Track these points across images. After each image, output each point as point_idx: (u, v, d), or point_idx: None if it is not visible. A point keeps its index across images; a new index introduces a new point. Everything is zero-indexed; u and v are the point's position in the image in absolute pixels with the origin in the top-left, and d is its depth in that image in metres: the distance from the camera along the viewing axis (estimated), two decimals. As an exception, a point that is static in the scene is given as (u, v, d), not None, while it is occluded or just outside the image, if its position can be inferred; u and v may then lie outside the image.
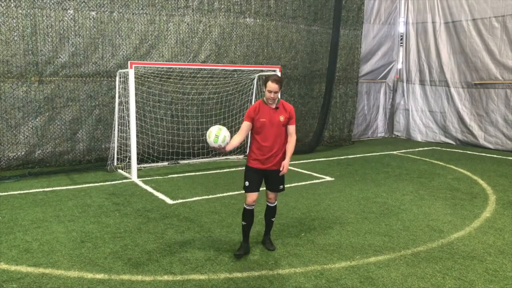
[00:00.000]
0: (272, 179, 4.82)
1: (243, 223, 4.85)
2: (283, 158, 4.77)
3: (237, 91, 10.84)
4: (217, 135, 4.37)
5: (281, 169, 4.66)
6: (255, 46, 11.55)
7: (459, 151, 12.28)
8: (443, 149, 12.66)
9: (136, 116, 8.75)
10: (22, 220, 5.96)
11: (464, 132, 13.32)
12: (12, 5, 8.71)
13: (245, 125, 4.74)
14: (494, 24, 12.33)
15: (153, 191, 7.58)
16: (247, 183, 4.76)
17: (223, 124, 10.54)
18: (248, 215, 4.82)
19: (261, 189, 4.85)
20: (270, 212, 5.01)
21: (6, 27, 8.71)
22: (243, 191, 4.88)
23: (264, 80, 4.68)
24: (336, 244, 5.14)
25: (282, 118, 4.68)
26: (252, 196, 4.75)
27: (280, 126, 4.69)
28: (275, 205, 5.00)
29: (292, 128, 4.82)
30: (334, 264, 4.60)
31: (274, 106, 4.71)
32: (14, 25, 8.78)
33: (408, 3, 14.70)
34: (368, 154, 11.67)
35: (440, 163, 10.41)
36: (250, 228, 4.88)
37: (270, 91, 4.59)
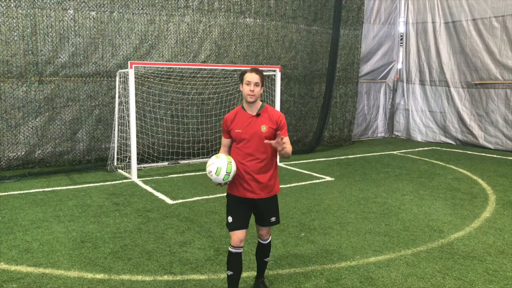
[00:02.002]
0: (261, 210, 3.74)
1: (229, 272, 3.67)
2: (274, 182, 3.74)
3: (237, 91, 10.84)
4: (228, 172, 3.49)
5: (274, 141, 3.49)
6: (255, 46, 11.55)
7: (459, 151, 12.28)
8: (443, 149, 12.66)
9: (136, 116, 8.75)
10: (22, 220, 5.96)
11: (464, 132, 13.32)
12: (12, 5, 8.71)
13: (223, 143, 3.81)
14: (494, 24, 12.33)
15: (153, 191, 7.58)
16: (230, 219, 3.68)
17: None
18: (234, 261, 3.65)
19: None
20: (263, 251, 3.94)
21: (6, 27, 8.71)
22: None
23: (240, 74, 3.70)
24: (336, 244, 5.14)
25: (264, 128, 3.60)
26: (238, 235, 3.62)
27: (261, 138, 3.56)
28: (269, 242, 3.92)
29: (286, 141, 3.67)
30: (334, 264, 4.60)
31: (254, 111, 3.65)
32: (14, 25, 8.78)
33: (408, 3, 14.70)
34: (368, 154, 11.67)
35: (440, 163, 10.41)
36: (238, 279, 3.72)
37: (249, 82, 3.55)
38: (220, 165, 3.52)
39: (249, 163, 3.61)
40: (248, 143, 3.62)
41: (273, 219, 3.83)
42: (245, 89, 3.60)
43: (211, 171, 3.53)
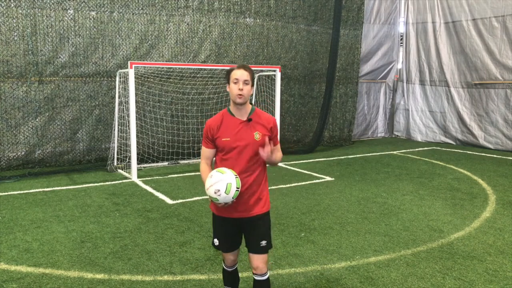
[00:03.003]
0: (249, 231, 3.21)
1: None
2: (264, 200, 3.23)
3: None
4: (238, 187, 3.00)
5: (262, 150, 3.07)
6: (255, 46, 11.55)
7: (459, 151, 12.28)
8: (443, 149, 12.66)
9: (136, 116, 8.75)
10: (22, 220, 5.96)
11: (464, 132, 13.31)
12: (12, 5, 8.71)
13: (204, 155, 3.25)
14: (494, 24, 12.33)
15: (153, 191, 7.58)
16: (216, 242, 3.29)
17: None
18: (230, 276, 3.45)
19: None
20: None
21: (6, 27, 8.71)
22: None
23: (226, 72, 3.18)
24: (336, 244, 5.14)
25: (258, 136, 3.11)
26: (229, 257, 3.33)
27: (255, 148, 3.09)
28: (267, 279, 3.24)
29: (277, 149, 3.29)
30: (334, 264, 4.60)
31: (245, 116, 3.15)
32: (14, 25, 8.78)
33: (408, 3, 14.70)
34: (368, 154, 11.67)
35: (440, 163, 10.41)
36: None
37: (236, 81, 3.05)
38: (229, 181, 2.97)
39: (239, 176, 3.07)
40: (239, 154, 3.09)
41: (263, 243, 3.17)
42: (233, 88, 3.08)
43: (219, 190, 2.97)
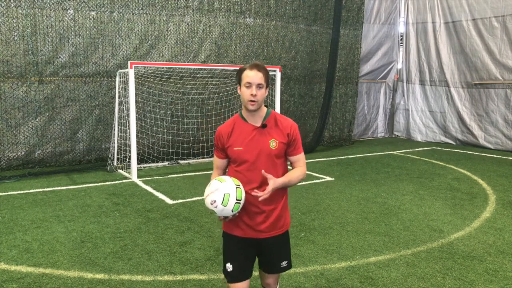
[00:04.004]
0: (268, 252, 2.90)
1: None
2: (285, 218, 2.89)
3: (237, 91, 10.84)
4: (238, 199, 2.64)
5: (260, 193, 2.63)
6: (255, 46, 11.55)
7: (459, 151, 12.28)
8: (443, 149, 12.66)
9: (136, 116, 8.75)
10: (22, 220, 5.96)
11: (464, 132, 13.32)
12: (12, 5, 8.71)
13: (216, 164, 2.95)
14: (494, 24, 12.33)
15: (153, 191, 7.58)
16: (229, 267, 2.84)
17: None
18: None
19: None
20: None
21: (6, 27, 8.71)
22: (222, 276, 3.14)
23: (237, 72, 2.78)
24: (336, 244, 5.14)
25: (274, 144, 2.74)
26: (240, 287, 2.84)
27: (271, 158, 2.74)
28: None
29: (297, 160, 2.87)
30: (334, 264, 4.59)
31: (259, 121, 2.78)
32: (14, 25, 8.78)
33: (408, 3, 14.70)
34: (368, 154, 11.67)
35: (440, 163, 10.40)
36: None
37: (249, 84, 2.67)
38: (228, 191, 2.61)
39: (252, 199, 2.71)
40: (252, 165, 2.73)
41: (284, 263, 2.91)
42: (245, 93, 2.68)
43: (215, 201, 2.60)
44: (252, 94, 2.66)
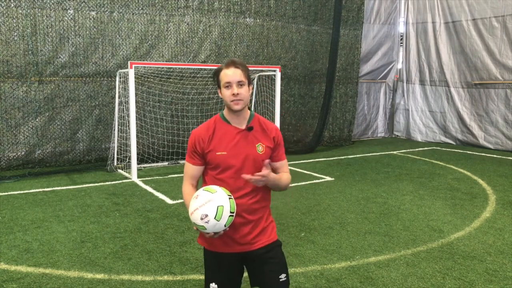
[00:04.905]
0: (261, 265, 2.55)
1: None
2: (272, 226, 2.64)
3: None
4: (232, 212, 2.34)
5: (250, 176, 2.40)
6: (255, 46, 11.55)
7: (459, 151, 12.28)
8: (443, 149, 12.66)
9: (136, 116, 8.74)
10: (22, 220, 5.96)
11: (464, 132, 13.32)
12: (12, 5, 8.71)
13: (188, 173, 2.64)
14: (494, 24, 12.33)
15: (153, 191, 7.58)
16: (214, 287, 2.56)
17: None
18: None
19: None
20: None
21: (6, 27, 8.71)
22: None
23: (214, 74, 2.56)
24: (336, 244, 5.14)
25: (261, 149, 2.52)
26: None
27: (258, 164, 2.49)
28: None
29: (282, 166, 2.65)
30: (334, 264, 4.59)
31: (243, 123, 2.55)
32: (14, 25, 8.78)
33: (408, 3, 14.70)
34: (368, 154, 11.67)
35: (440, 163, 10.40)
36: None
37: (228, 84, 2.44)
38: (221, 203, 2.30)
39: (240, 201, 2.46)
40: (238, 172, 2.46)
41: (282, 276, 2.54)
42: (226, 94, 2.45)
43: (206, 215, 2.28)
44: (233, 94, 2.42)
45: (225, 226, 2.33)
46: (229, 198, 2.36)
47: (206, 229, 2.31)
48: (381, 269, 4.46)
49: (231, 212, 2.33)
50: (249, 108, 2.62)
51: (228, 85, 2.44)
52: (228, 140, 2.50)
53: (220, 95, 2.53)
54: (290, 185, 2.75)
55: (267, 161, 2.46)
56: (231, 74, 2.42)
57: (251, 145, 2.51)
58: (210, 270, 2.61)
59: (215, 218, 2.28)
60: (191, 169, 2.61)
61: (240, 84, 2.43)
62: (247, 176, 2.39)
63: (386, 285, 4.14)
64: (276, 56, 11.96)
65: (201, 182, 2.70)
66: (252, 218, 2.52)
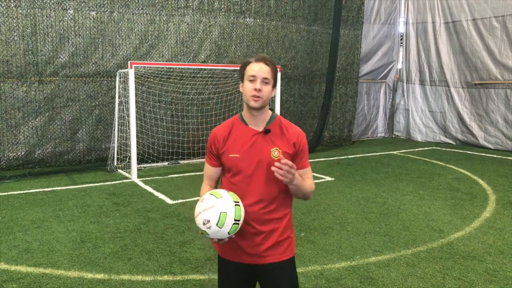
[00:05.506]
0: (272, 282, 2.42)
1: None
2: (288, 242, 2.47)
3: (237, 91, 10.83)
4: (237, 219, 2.22)
5: (277, 165, 2.18)
6: (255, 46, 11.55)
7: (459, 151, 12.28)
8: (443, 149, 12.66)
9: (136, 116, 8.75)
10: (22, 220, 5.96)
11: (464, 132, 13.32)
12: (12, 5, 8.71)
13: (207, 174, 2.52)
14: (494, 24, 12.33)
15: (153, 191, 7.58)
16: None
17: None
18: None
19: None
20: None
21: (6, 27, 8.71)
22: None
23: (241, 66, 2.38)
24: (336, 244, 5.14)
25: (276, 153, 2.34)
26: None
27: (272, 170, 2.23)
28: None
29: (304, 173, 2.44)
30: (334, 264, 4.60)
31: (261, 125, 2.39)
32: (14, 25, 8.78)
33: (408, 3, 14.70)
34: (368, 154, 11.67)
35: (440, 163, 10.40)
36: None
37: (253, 78, 2.29)
38: (225, 209, 2.18)
39: (250, 208, 2.32)
40: (250, 177, 2.33)
41: None
42: (247, 88, 2.30)
43: (208, 220, 2.19)
44: (255, 89, 2.26)
45: (228, 233, 2.21)
46: (235, 205, 2.22)
47: (208, 234, 2.22)
48: (381, 269, 4.46)
49: (235, 220, 2.20)
50: (271, 110, 2.47)
51: (253, 79, 2.29)
52: (242, 142, 2.35)
53: (241, 89, 2.37)
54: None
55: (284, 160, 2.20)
56: (258, 69, 2.29)
57: (266, 150, 2.34)
58: (220, 276, 2.53)
59: (217, 224, 2.17)
60: (208, 169, 2.50)
61: (265, 81, 2.30)
62: (274, 168, 2.18)
63: (386, 285, 4.14)
64: (276, 56, 11.96)
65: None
66: (263, 229, 2.35)
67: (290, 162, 2.19)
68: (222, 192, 2.27)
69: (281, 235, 2.39)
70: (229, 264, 2.44)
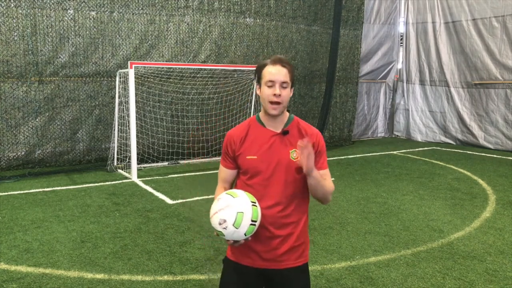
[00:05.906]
0: (285, 286, 2.36)
1: None
2: (303, 248, 2.39)
3: (237, 91, 10.84)
4: (254, 220, 2.16)
5: (301, 146, 2.12)
6: (255, 46, 11.55)
7: (459, 151, 12.27)
8: (443, 149, 12.66)
9: (136, 116, 8.75)
10: (22, 220, 5.96)
11: (464, 132, 13.32)
12: (12, 5, 8.71)
13: (221, 177, 2.49)
14: (494, 24, 12.33)
15: (153, 191, 7.58)
16: None
17: (223, 124, 10.56)
18: None
19: None
20: None
21: (6, 27, 8.71)
22: None
23: (257, 69, 2.33)
24: (336, 244, 5.14)
25: (295, 155, 2.29)
26: None
27: (291, 172, 2.28)
28: None
29: (323, 176, 2.36)
30: (334, 264, 4.60)
31: (279, 127, 2.35)
32: (14, 25, 8.77)
33: (408, 3, 14.70)
34: (368, 154, 11.67)
35: (440, 163, 10.40)
36: None
37: (272, 83, 2.23)
38: (241, 209, 2.12)
39: (267, 211, 2.27)
40: (267, 179, 2.29)
41: None
42: (266, 93, 2.24)
43: (225, 220, 2.12)
44: (275, 94, 2.21)
45: (245, 235, 2.15)
46: (252, 205, 2.16)
47: (224, 235, 2.15)
48: (381, 269, 4.46)
49: (252, 221, 2.13)
50: (288, 111, 2.42)
51: (272, 84, 2.23)
52: (260, 143, 2.30)
53: (258, 92, 2.33)
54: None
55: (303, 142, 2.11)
56: (275, 73, 2.23)
57: (284, 151, 2.29)
58: (224, 277, 2.42)
59: (233, 225, 2.11)
60: (223, 172, 2.46)
61: (283, 85, 2.24)
62: (300, 142, 2.12)
63: (386, 285, 4.14)
64: (276, 56, 11.94)
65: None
66: (280, 233, 2.29)
67: (310, 146, 2.12)
68: (238, 192, 2.23)
69: (297, 240, 2.35)
70: (238, 267, 2.35)
